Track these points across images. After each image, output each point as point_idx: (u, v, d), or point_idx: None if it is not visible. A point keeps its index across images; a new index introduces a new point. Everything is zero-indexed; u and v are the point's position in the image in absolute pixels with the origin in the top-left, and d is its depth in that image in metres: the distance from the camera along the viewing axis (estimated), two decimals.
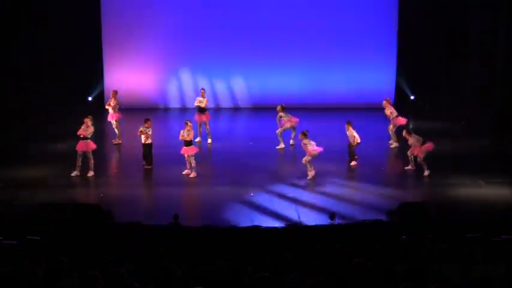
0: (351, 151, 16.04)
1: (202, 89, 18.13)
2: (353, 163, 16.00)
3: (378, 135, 18.31)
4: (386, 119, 17.85)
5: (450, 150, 17.29)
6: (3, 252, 8.56)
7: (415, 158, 15.28)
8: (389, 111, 17.65)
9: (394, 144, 17.55)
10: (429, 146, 15.19)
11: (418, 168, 15.28)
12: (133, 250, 9.39)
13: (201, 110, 17.87)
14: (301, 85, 22.49)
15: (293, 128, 17.47)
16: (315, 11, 22.08)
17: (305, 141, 14.98)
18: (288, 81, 22.39)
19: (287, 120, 17.39)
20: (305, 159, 15.00)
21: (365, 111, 21.23)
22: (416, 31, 21.77)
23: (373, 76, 22.39)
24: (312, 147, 14.98)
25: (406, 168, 15.54)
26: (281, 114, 17.48)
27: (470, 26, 20.85)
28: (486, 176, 14.94)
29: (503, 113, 19.28)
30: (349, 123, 16.05)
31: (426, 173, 15.09)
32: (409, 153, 15.45)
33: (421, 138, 15.23)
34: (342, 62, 22.45)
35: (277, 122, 17.59)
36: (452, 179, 14.90)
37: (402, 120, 17.62)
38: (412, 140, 15.29)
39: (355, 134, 15.92)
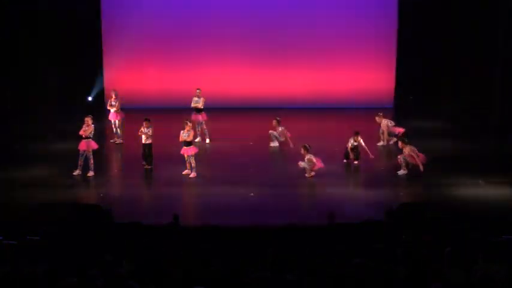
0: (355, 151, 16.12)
1: (198, 89, 18.12)
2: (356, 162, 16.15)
3: (377, 135, 18.27)
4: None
5: (450, 150, 17.30)
6: (3, 252, 8.56)
7: (406, 162, 15.23)
8: (386, 123, 17.71)
9: (381, 143, 17.79)
10: (422, 158, 15.18)
11: (416, 169, 15.24)
12: (133, 250, 9.39)
13: (198, 110, 17.88)
14: (301, 86, 22.48)
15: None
16: (314, 11, 22.07)
17: (308, 156, 14.98)
18: (287, 81, 22.39)
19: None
20: (302, 165, 15.05)
21: (364, 112, 21.24)
22: (417, 31, 21.75)
23: (373, 76, 22.39)
24: (313, 164, 15.00)
25: (398, 173, 15.42)
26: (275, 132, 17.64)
27: (470, 26, 20.84)
28: (486, 176, 14.95)
29: (503, 113, 19.27)
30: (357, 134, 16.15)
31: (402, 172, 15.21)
32: (400, 158, 15.32)
33: (415, 149, 15.19)
34: (341, 62, 22.44)
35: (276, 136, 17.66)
36: (452, 179, 14.90)
37: (400, 129, 17.61)
38: (407, 150, 15.21)
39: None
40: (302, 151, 15.14)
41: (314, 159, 15.02)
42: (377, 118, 17.83)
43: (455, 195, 13.88)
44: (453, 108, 21.30)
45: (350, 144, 16.06)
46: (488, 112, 20.10)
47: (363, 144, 16.07)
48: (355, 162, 16.13)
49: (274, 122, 17.71)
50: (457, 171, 15.51)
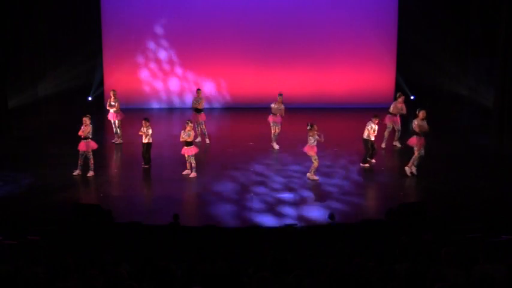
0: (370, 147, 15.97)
1: (198, 89, 18.14)
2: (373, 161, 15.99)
3: (378, 135, 18.25)
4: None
5: (450, 149, 17.30)
6: (3, 252, 8.56)
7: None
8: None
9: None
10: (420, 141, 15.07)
11: (417, 168, 15.23)
12: (134, 250, 9.40)
13: (197, 111, 17.90)
14: (301, 85, 22.49)
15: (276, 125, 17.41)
16: (315, 11, 22.08)
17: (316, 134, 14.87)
18: (287, 81, 22.38)
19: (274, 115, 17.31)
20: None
21: (365, 112, 21.23)
22: (417, 31, 21.77)
23: (373, 76, 22.41)
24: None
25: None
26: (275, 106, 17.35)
27: (470, 26, 20.84)
28: (486, 176, 14.96)
29: (503, 113, 19.26)
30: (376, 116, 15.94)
31: (411, 170, 15.08)
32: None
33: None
34: (342, 62, 22.45)
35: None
36: (452, 179, 14.90)
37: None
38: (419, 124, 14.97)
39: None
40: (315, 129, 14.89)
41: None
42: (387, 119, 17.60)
43: (455, 195, 13.88)
44: (453, 107, 21.30)
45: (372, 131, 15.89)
46: (488, 111, 20.09)
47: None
48: (373, 160, 16.03)
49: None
50: (457, 171, 15.52)
